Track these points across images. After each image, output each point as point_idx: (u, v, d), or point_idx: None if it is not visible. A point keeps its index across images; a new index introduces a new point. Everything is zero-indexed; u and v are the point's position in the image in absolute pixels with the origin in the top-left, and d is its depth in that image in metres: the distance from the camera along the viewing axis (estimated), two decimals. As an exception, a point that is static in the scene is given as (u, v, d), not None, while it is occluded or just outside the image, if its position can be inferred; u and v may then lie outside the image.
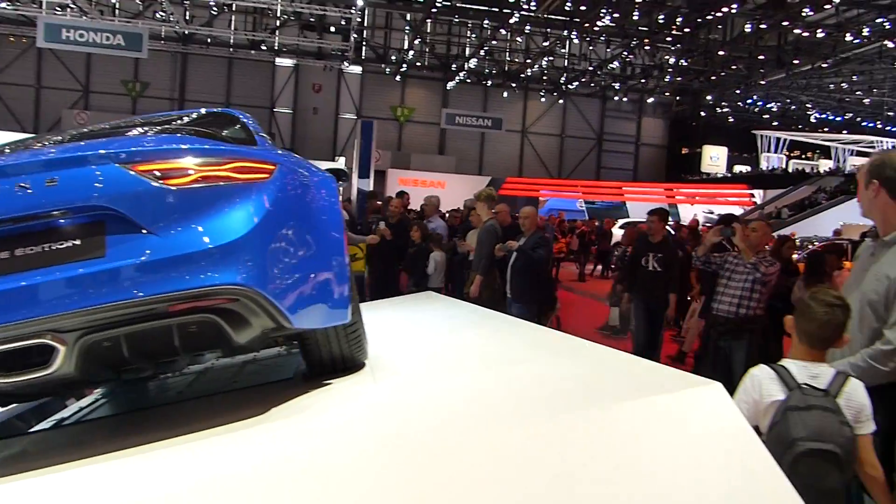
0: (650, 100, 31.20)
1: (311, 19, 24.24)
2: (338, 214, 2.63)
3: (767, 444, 2.12)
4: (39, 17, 19.07)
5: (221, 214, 2.13)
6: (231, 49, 26.14)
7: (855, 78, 26.85)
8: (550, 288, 7.58)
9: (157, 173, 2.09)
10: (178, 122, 3.10)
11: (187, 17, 23.50)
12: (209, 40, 25.56)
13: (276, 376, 3.14)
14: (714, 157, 33.03)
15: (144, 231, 2.04)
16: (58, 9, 20.77)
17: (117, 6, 22.33)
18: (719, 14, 21.45)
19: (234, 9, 23.38)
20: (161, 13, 22.24)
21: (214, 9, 23.04)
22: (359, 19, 23.72)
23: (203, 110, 3.33)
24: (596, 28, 23.59)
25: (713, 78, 27.22)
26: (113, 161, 2.09)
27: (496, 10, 22.83)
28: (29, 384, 2.06)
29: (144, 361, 2.25)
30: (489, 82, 29.64)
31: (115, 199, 2.05)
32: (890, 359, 2.39)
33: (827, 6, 19.35)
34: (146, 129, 2.92)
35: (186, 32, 24.06)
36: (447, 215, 11.72)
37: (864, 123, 34.60)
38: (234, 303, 2.09)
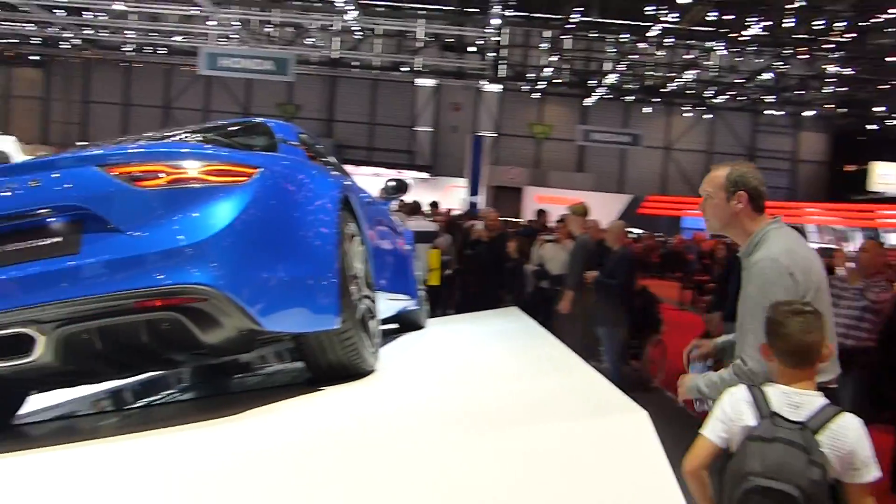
0: (809, 113, 28.86)
1: (451, 40, 24.80)
2: (330, 224, 2.63)
3: (727, 475, 1.86)
4: (201, 48, 20.96)
5: (191, 216, 2.19)
6: (375, 71, 27.31)
7: None
8: (648, 311, 7.16)
9: (131, 176, 2.18)
10: (205, 130, 3.28)
11: (335, 43, 24.89)
12: (355, 63, 26.89)
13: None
14: (885, 175, 29.87)
15: (116, 230, 2.15)
16: (221, 40, 22.74)
17: (272, 35, 24.04)
18: (888, 16, 19.48)
19: (377, 33, 24.43)
20: (311, 39, 23.69)
21: (359, 34, 24.23)
22: (496, 38, 23.94)
23: (235, 120, 3.50)
24: (744, 37, 22.21)
25: (882, 87, 24.71)
26: (91, 164, 2.22)
27: (636, 23, 22.16)
28: (19, 370, 2.19)
29: (124, 356, 2.32)
30: (629, 98, 28.79)
31: (90, 199, 2.17)
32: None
33: None
34: (173, 136, 3.12)
35: (334, 57, 25.47)
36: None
37: None
38: (202, 302, 2.13)
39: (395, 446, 1.78)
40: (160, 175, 2.21)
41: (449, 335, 4.89)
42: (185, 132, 3.30)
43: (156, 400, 3.72)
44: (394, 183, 4.75)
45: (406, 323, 5.14)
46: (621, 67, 25.73)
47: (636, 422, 1.59)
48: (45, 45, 26.30)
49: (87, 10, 21.75)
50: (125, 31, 23.92)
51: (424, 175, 26.76)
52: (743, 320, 2.30)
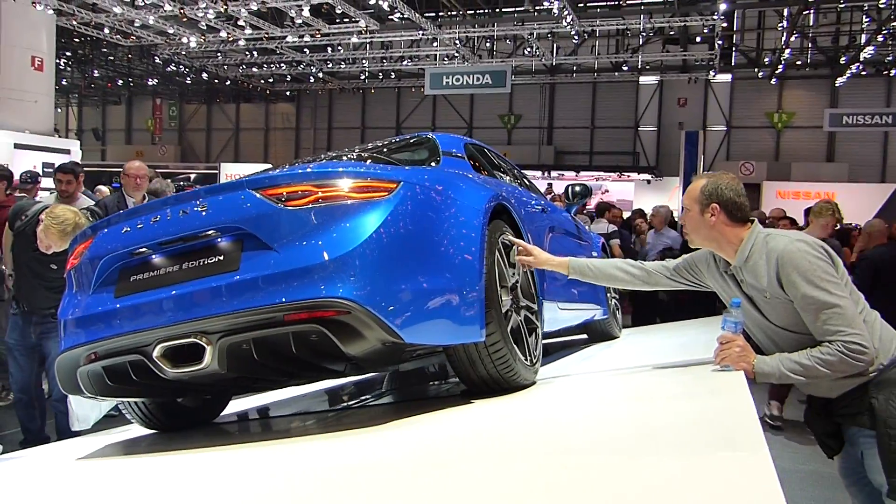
0: None
1: (674, 33, 23.56)
2: (475, 234, 2.59)
3: None
4: (426, 69, 22.16)
5: (333, 231, 2.30)
6: (595, 74, 26.83)
7: None
8: None
9: (279, 197, 2.34)
10: (377, 148, 3.46)
11: (553, 50, 24.89)
12: (574, 68, 26.64)
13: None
14: None
15: (269, 247, 2.30)
16: (444, 60, 23.88)
17: (494, 49, 24.70)
18: None
19: (597, 34, 23.97)
20: (529, 49, 23.94)
21: (576, 38, 24.01)
22: (724, 25, 22.27)
23: (408, 136, 3.63)
24: None
25: None
26: (247, 188, 2.41)
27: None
28: (195, 376, 2.44)
29: (280, 366, 2.46)
30: (893, 72, 25.07)
31: (246, 220, 2.35)
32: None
33: None
34: (342, 156, 3.32)
35: (553, 64, 25.47)
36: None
37: None
38: (344, 315, 2.21)
39: (511, 468, 1.66)
40: (304, 194, 2.34)
41: (640, 346, 4.60)
42: (359, 151, 3.49)
43: (348, 404, 3.99)
44: (577, 188, 4.61)
45: (595, 333, 4.95)
46: (880, 39, 22.48)
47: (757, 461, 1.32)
48: (295, 81, 29.62)
49: (329, 46, 24.07)
50: (361, 61, 26.08)
51: (648, 177, 25.66)
52: (815, 305, 2.27)
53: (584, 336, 5.13)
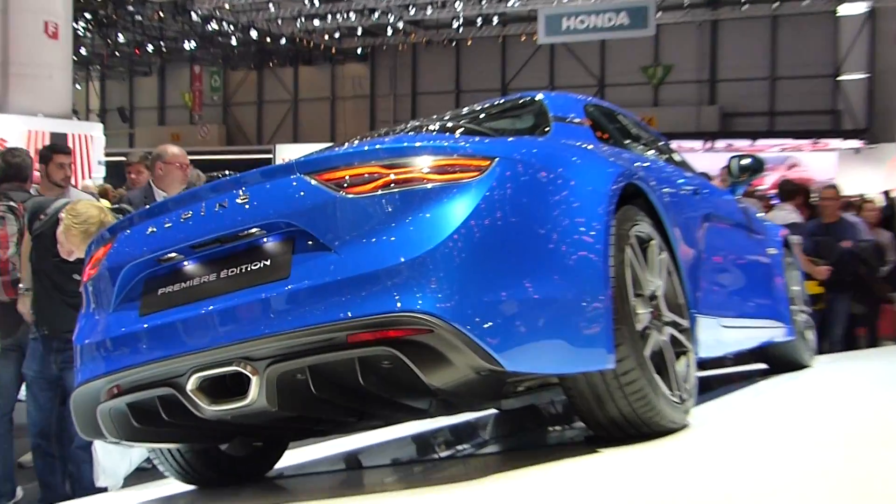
0: None
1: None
2: (598, 225, 2.63)
3: None
4: (540, 10, 22.10)
5: (411, 225, 2.35)
6: (774, 4, 25.95)
7: None
8: None
9: (338, 182, 2.42)
10: (465, 115, 3.53)
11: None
12: (744, -1, 25.89)
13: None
14: None
15: (325, 247, 2.38)
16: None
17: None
18: None
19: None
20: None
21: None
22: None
23: (507, 98, 3.68)
24: None
25: None
26: (297, 172, 2.50)
27: None
28: (239, 415, 2.56)
29: (346, 402, 2.57)
30: None
31: (297, 213, 2.44)
32: None
33: None
34: (423, 127, 3.40)
35: (712, -6, 24.86)
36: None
37: None
38: (426, 335, 2.25)
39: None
40: (371, 178, 2.41)
41: (843, 379, 4.43)
42: (445, 120, 3.56)
43: (440, 454, 4.08)
44: (746, 161, 4.51)
45: (777, 360, 4.82)
46: None
47: None
48: (368, 34, 30.15)
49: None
50: (454, 4, 26.20)
51: (856, 144, 24.52)
52: None
53: (764, 366, 5.00)
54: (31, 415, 4.96)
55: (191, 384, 2.51)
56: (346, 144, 3.07)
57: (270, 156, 27.61)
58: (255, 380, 2.41)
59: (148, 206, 3.08)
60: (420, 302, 2.24)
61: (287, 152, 26.85)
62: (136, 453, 4.41)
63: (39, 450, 4.99)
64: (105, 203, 6.05)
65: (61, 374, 4.80)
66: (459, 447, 4.10)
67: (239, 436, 3.14)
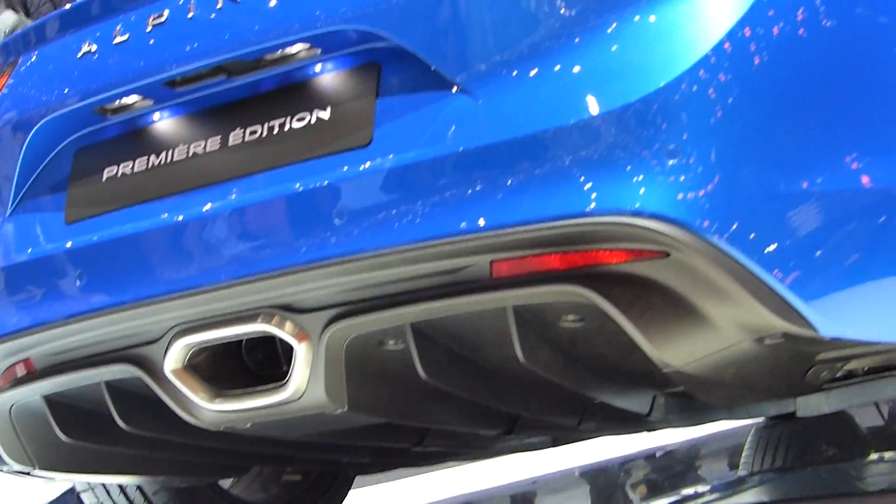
0: None
1: None
2: None
3: None
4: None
5: (614, 39, 1.61)
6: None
7: None
8: None
9: None
10: None
11: None
12: None
13: None
14: None
15: (444, 83, 1.65)
16: None
17: None
18: None
19: None
20: None
21: None
22: None
23: None
24: None
25: None
26: None
27: None
28: (266, 421, 1.85)
29: (464, 391, 1.86)
30: None
31: (387, 12, 1.69)
32: None
33: None
34: None
35: None
36: None
37: None
38: (653, 261, 1.56)
39: None
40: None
41: None
42: None
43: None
44: None
45: None
46: None
47: None
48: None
49: None
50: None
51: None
52: None
53: None
54: None
55: (172, 358, 1.77)
56: None
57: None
58: (301, 350, 1.69)
59: (77, 2, 2.22)
60: (642, 196, 1.50)
61: None
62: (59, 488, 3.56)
63: None
64: None
65: None
66: (688, 492, 3.41)
67: (259, 464, 2.58)
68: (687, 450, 3.94)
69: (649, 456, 4.01)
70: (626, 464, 3.93)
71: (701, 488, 3.60)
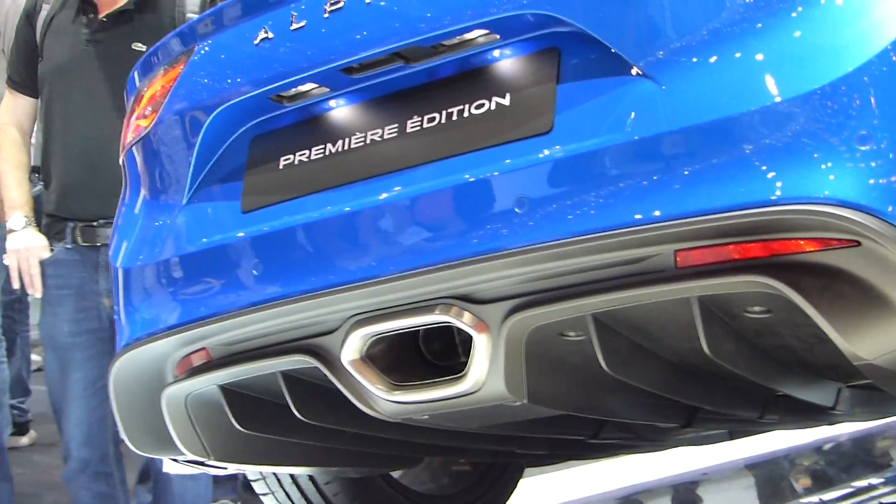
0: None
1: None
2: None
3: None
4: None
5: (802, 21, 1.56)
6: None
7: None
8: None
9: None
10: None
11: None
12: None
13: None
14: None
15: (626, 68, 1.63)
16: None
17: None
18: None
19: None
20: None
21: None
22: None
23: None
24: None
25: None
26: None
27: None
28: (444, 413, 1.84)
29: (646, 382, 1.82)
30: None
31: (571, 3, 1.66)
32: None
33: None
34: None
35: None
36: None
37: None
38: (844, 250, 1.52)
39: None
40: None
41: None
42: None
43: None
44: None
45: None
46: None
47: None
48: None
49: None
50: None
51: None
52: None
53: None
54: (58, 406, 3.38)
55: (350, 349, 1.76)
56: None
57: None
58: (481, 341, 1.67)
59: None
60: (832, 183, 1.47)
61: None
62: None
63: (79, 471, 3.24)
64: None
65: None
66: (860, 484, 3.24)
67: (434, 455, 2.59)
68: (858, 440, 3.81)
69: (817, 448, 3.90)
70: (792, 455, 3.80)
71: (874, 480, 3.44)
